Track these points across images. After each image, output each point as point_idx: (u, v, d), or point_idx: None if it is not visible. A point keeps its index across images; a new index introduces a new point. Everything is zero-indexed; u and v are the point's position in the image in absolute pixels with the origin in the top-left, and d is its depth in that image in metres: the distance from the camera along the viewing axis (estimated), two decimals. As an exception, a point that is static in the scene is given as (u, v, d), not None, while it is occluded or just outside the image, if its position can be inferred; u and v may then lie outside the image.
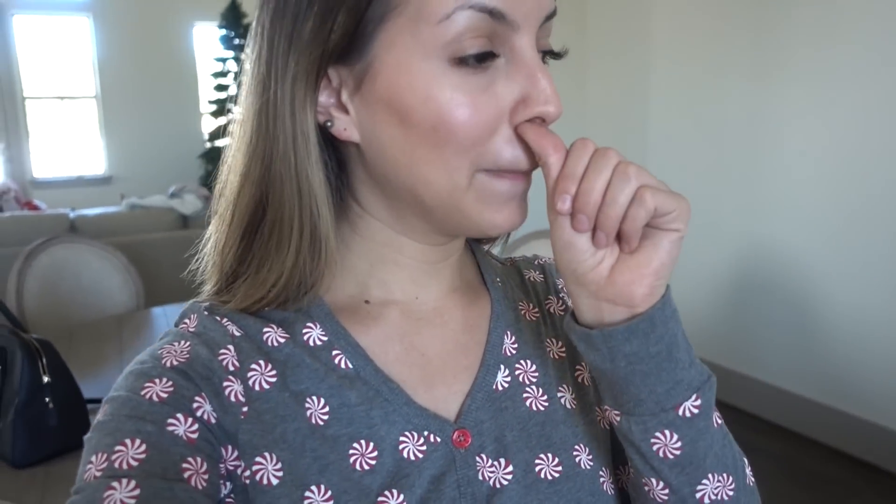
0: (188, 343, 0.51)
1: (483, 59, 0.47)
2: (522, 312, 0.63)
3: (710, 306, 3.30)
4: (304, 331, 0.54)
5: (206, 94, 6.88)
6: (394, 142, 0.49)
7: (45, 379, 1.31)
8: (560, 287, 0.68)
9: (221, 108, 6.71)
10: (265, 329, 0.53)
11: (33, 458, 1.29)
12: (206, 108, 6.91)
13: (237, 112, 0.54)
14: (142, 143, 6.69)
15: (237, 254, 0.54)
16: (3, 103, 6.34)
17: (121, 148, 6.70)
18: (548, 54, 0.52)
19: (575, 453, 0.57)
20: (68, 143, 6.72)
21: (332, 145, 0.53)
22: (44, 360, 1.31)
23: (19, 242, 3.16)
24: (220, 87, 6.68)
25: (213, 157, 6.68)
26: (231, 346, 0.52)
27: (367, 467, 0.51)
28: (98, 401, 1.49)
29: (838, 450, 2.77)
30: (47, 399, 1.30)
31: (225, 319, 0.53)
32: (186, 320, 0.54)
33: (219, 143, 6.74)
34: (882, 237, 2.56)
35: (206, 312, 0.54)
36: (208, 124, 6.96)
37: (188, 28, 6.89)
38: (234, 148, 0.54)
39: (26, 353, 1.30)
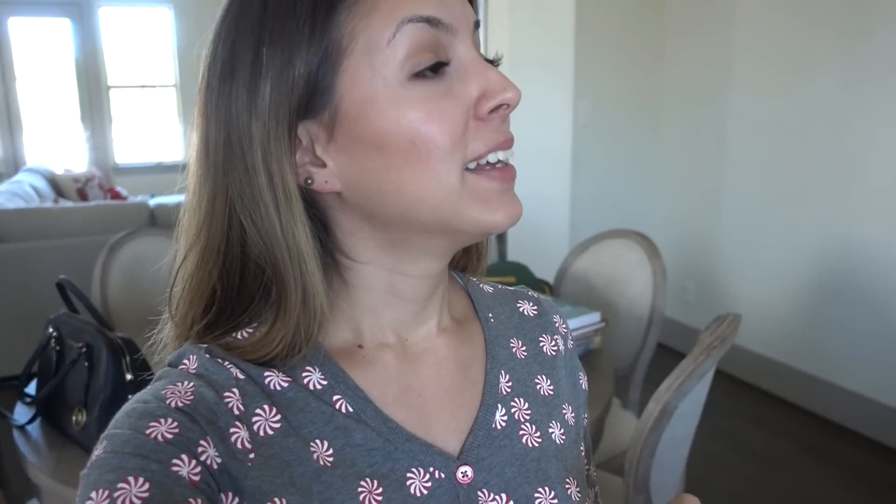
0: (192, 384, 0.51)
1: (436, 68, 0.50)
2: (514, 350, 0.66)
3: (790, 308, 3.18)
4: (305, 374, 0.55)
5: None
6: (377, 174, 0.51)
7: (129, 377, 1.35)
8: (557, 325, 0.71)
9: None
10: (267, 373, 0.54)
11: (117, 452, 1.34)
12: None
13: (190, 192, 0.55)
14: (218, 130, 6.86)
15: (217, 313, 0.55)
16: (88, 92, 6.61)
17: (198, 136, 6.88)
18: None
19: (566, 486, 0.61)
20: (149, 130, 6.95)
21: (310, 202, 0.54)
22: (127, 359, 1.36)
23: (103, 231, 3.29)
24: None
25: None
26: (236, 390, 0.52)
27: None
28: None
29: (925, 463, 2.65)
30: (130, 397, 1.34)
31: (227, 362, 0.54)
32: (186, 361, 0.54)
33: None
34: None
35: (206, 355, 0.54)
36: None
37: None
38: (195, 225, 0.55)
39: (111, 351, 1.35)
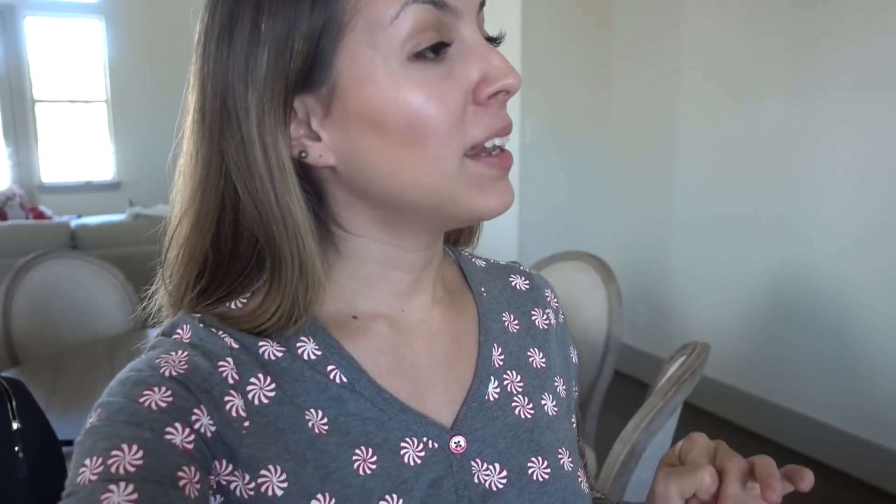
0: (185, 353, 0.51)
1: (438, 49, 0.50)
2: (506, 324, 0.67)
3: (743, 331, 3.12)
4: (299, 345, 0.55)
5: (218, 99, 6.79)
6: (373, 153, 0.51)
7: (15, 425, 1.15)
8: (548, 300, 0.72)
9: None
10: (261, 343, 0.54)
11: (-1, 515, 1.14)
12: (218, 113, 6.82)
13: (186, 155, 0.54)
14: (151, 148, 6.49)
15: (209, 279, 0.56)
16: (12, 106, 6.25)
17: (130, 153, 6.59)
18: (488, 40, 0.55)
19: (559, 456, 0.62)
20: (77, 147, 6.61)
21: (304, 173, 0.54)
22: (13, 404, 1.16)
23: (17, 253, 3.03)
24: (232, 93, 6.59)
25: (223, 163, 6.58)
26: (230, 359, 0.52)
27: (368, 472, 0.53)
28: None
29: (879, 488, 2.60)
30: (17, 448, 1.15)
31: (221, 332, 0.54)
32: (179, 330, 0.54)
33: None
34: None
35: (200, 324, 0.54)
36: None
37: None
38: (191, 188, 0.54)
39: (-6, 395, 1.15)
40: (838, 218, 2.69)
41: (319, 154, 0.52)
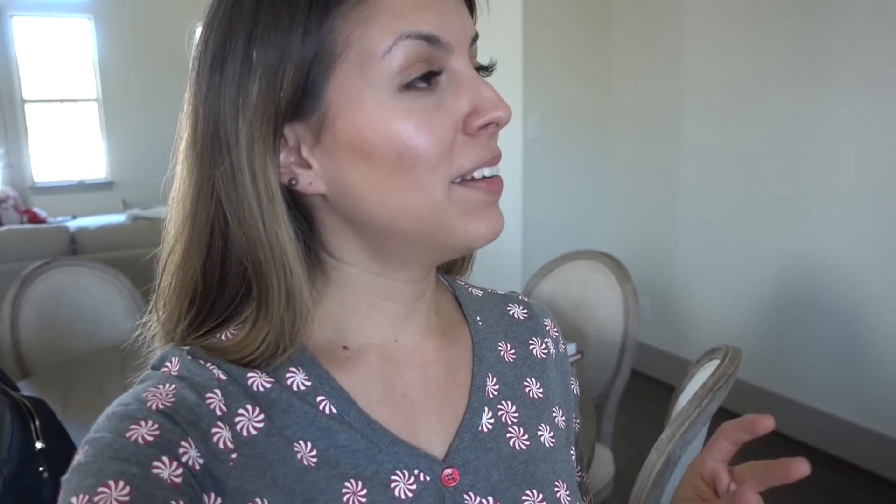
0: (173, 386, 0.51)
1: (428, 79, 0.50)
2: (501, 353, 0.65)
3: (751, 324, 3.12)
4: (288, 375, 0.54)
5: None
6: (363, 182, 0.51)
7: (39, 445, 1.13)
8: (547, 329, 0.70)
9: (226, 111, 6.56)
10: (249, 374, 0.53)
11: (25, 538, 1.12)
12: (211, 110, 6.76)
13: (179, 180, 0.54)
14: (144, 147, 6.47)
15: (199, 308, 0.55)
16: (2, 107, 6.18)
17: (122, 152, 6.54)
18: (480, 70, 0.56)
19: (555, 489, 0.61)
20: (69, 147, 6.55)
21: (295, 201, 0.54)
22: (37, 423, 1.14)
23: (17, 258, 3.00)
24: (225, 90, 6.52)
25: (217, 161, 6.52)
26: (218, 391, 0.51)
27: None
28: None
29: (891, 480, 2.60)
30: (41, 468, 1.13)
31: (209, 364, 0.53)
32: (168, 363, 0.53)
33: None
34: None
35: (188, 356, 0.53)
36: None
37: (194, 29, 6.71)
38: (182, 215, 0.54)
39: (16, 414, 1.13)
40: (845, 210, 2.68)
41: (309, 182, 0.52)
